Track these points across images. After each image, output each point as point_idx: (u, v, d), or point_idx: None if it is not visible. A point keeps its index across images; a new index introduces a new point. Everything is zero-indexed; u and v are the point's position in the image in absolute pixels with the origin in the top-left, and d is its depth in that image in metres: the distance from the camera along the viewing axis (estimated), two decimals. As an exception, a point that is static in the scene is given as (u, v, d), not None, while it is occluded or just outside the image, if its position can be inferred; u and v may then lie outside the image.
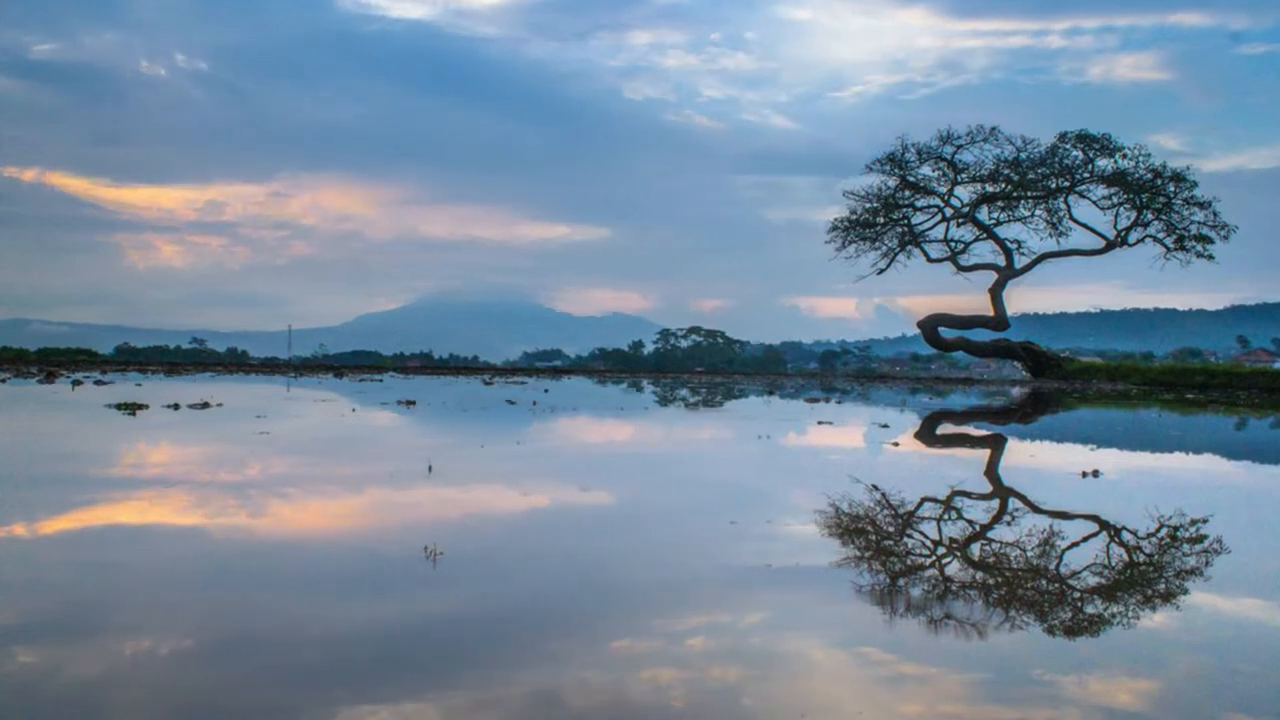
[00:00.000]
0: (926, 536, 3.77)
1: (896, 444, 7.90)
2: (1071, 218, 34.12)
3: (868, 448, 7.81)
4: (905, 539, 3.72)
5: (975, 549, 3.53)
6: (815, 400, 15.74)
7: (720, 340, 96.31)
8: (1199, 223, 32.29)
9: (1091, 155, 33.28)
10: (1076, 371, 35.15)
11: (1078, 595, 2.86)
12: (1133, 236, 33.40)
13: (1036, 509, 4.49)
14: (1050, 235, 34.21)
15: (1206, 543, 3.71)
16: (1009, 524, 4.08)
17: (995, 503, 4.78)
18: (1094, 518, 4.26)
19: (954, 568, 3.21)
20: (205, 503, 4.04)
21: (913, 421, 11.58)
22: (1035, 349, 35.82)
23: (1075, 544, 3.65)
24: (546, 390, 17.11)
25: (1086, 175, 33.45)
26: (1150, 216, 32.94)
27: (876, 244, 35.66)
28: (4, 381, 16.63)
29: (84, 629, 2.29)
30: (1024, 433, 10.42)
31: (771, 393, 19.09)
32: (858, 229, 35.56)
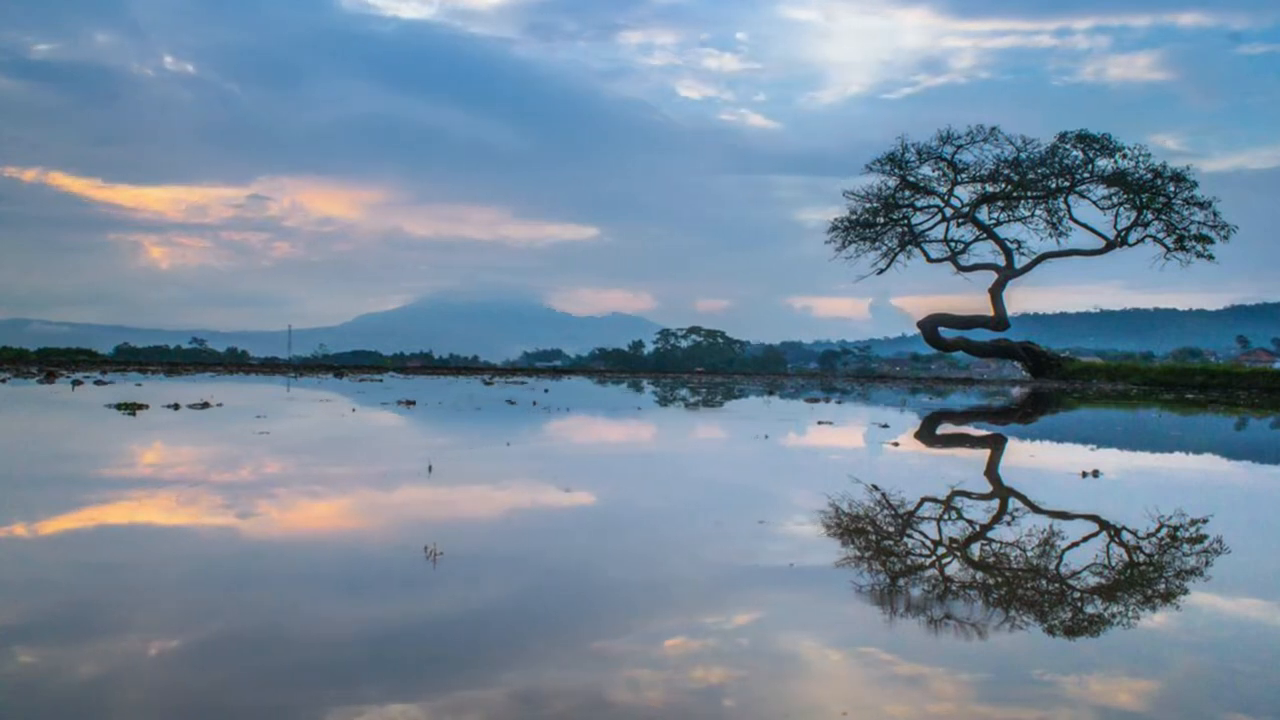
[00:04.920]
0: (926, 536, 3.77)
1: (896, 444, 7.89)
2: (1071, 218, 34.13)
3: (868, 448, 7.81)
4: (905, 539, 3.72)
5: (975, 549, 3.53)
6: (815, 400, 15.73)
7: (720, 340, 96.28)
8: (1199, 223, 32.29)
9: (1091, 155, 33.29)
10: (1076, 371, 35.15)
11: (1078, 595, 2.85)
12: (1133, 236, 33.40)
13: (1036, 509, 4.49)
14: (1050, 235, 34.22)
15: (1206, 543, 3.71)
16: (1009, 524, 4.08)
17: (995, 503, 4.78)
18: (1094, 518, 4.26)
19: (954, 568, 3.21)
20: (205, 503, 4.04)
21: (913, 421, 11.58)
22: (1035, 349, 35.82)
23: (1075, 544, 3.65)
24: (547, 390, 17.11)
25: (1086, 175, 33.45)
26: (1150, 216, 32.93)
27: (876, 244, 35.66)
28: (4, 381, 16.63)
29: (84, 629, 2.29)
30: (1024, 433, 10.42)
31: (771, 393, 19.08)
32: (858, 229, 35.56)
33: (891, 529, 3.91)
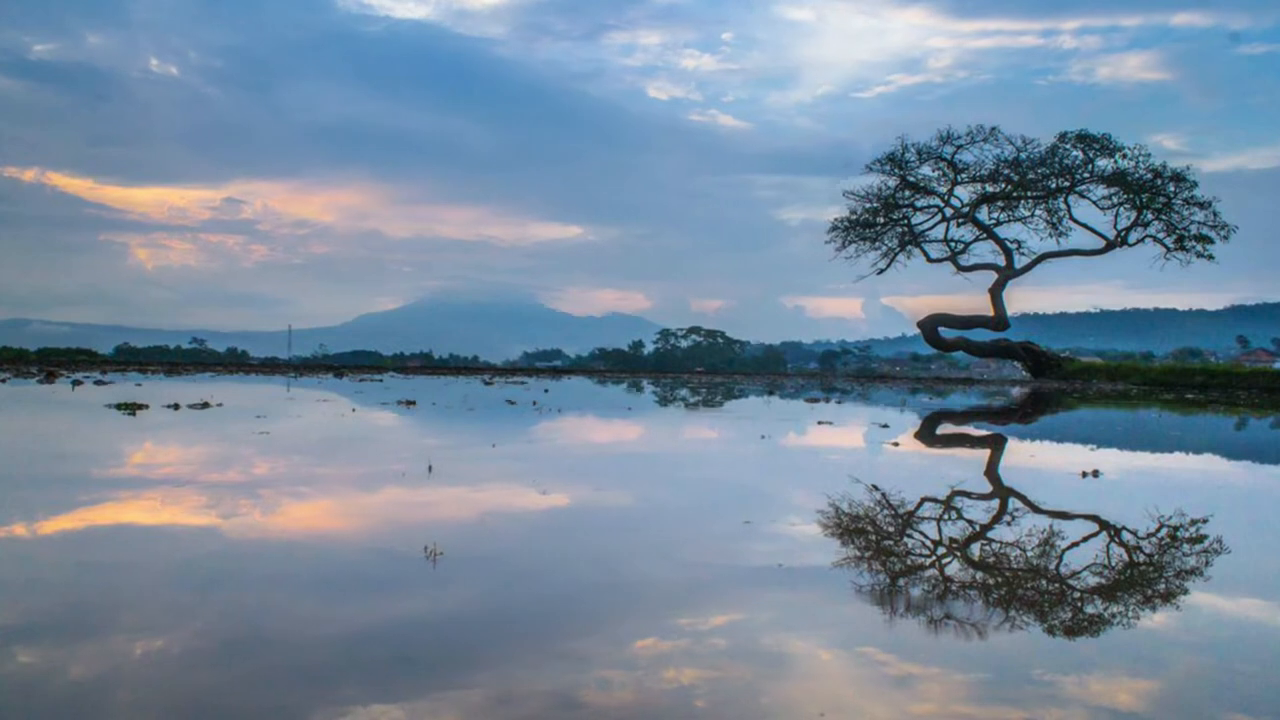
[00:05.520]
0: (926, 536, 3.77)
1: (896, 444, 7.89)
2: (1071, 218, 34.18)
3: (868, 448, 7.81)
4: (905, 539, 3.72)
5: (975, 549, 3.53)
6: (815, 400, 15.73)
7: (720, 340, 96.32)
8: (1199, 223, 32.35)
9: (1091, 155, 33.32)
10: (1076, 371, 35.17)
11: (1078, 595, 2.85)
12: (1133, 236, 33.46)
13: (1036, 509, 4.49)
14: (1050, 235, 34.28)
15: (1206, 543, 3.71)
16: (1009, 524, 4.08)
17: (995, 503, 4.78)
18: (1094, 518, 4.26)
19: (954, 568, 3.21)
20: (205, 502, 4.04)
21: (913, 421, 11.58)
22: (1035, 349, 35.85)
23: (1075, 544, 3.64)
24: (547, 390, 17.10)
25: (1086, 175, 33.50)
26: (1150, 216, 32.98)
27: (876, 244, 35.73)
28: (4, 381, 16.63)
29: (84, 629, 2.29)
30: (1024, 433, 10.42)
31: (771, 393, 19.09)
32: (858, 229, 35.61)
33: (891, 529, 3.91)
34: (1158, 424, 12.23)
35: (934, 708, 1.92)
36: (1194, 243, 32.40)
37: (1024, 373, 37.73)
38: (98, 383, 16.29)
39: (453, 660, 2.15)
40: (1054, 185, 33.74)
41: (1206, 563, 3.34)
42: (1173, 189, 32.43)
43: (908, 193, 35.27)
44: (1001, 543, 3.64)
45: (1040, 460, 7.32)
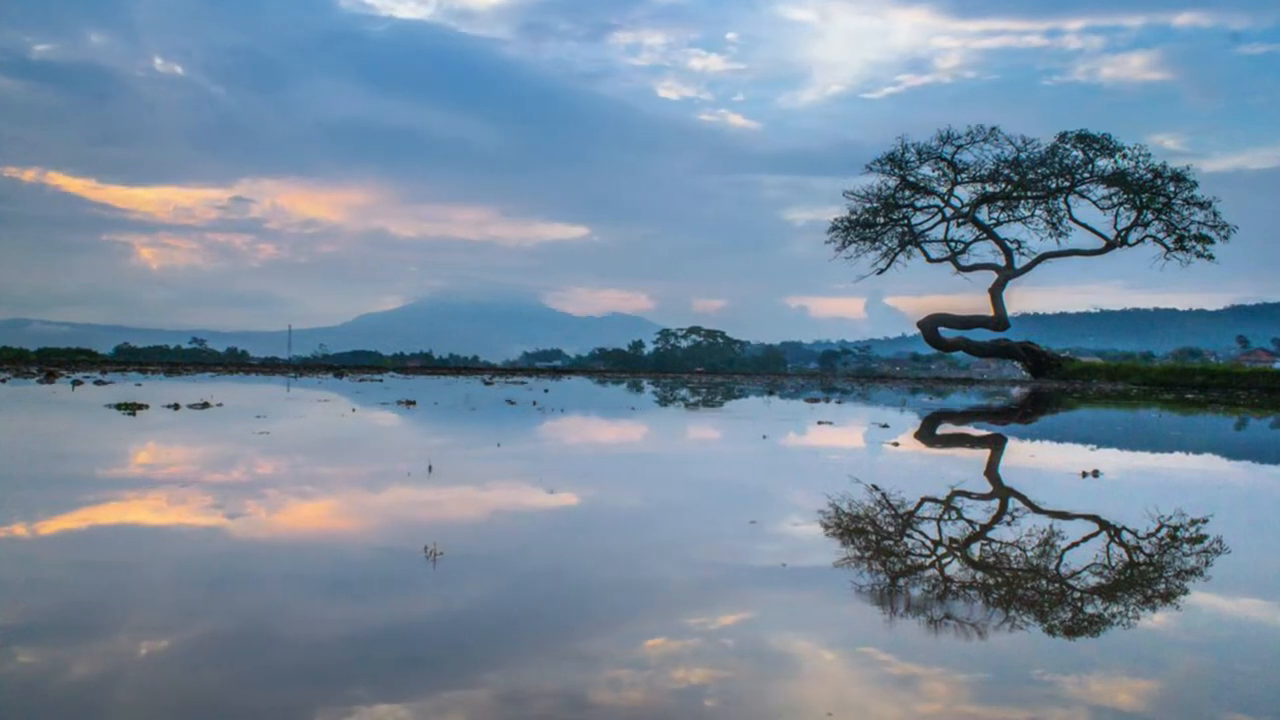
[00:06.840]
0: (926, 536, 3.77)
1: (896, 444, 7.89)
2: (1071, 218, 34.17)
3: (868, 448, 7.81)
4: (905, 539, 3.72)
5: (975, 549, 3.53)
6: (815, 400, 15.73)
7: (720, 340, 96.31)
8: (1199, 223, 32.35)
9: (1091, 155, 33.32)
10: (1076, 371, 35.17)
11: (1078, 595, 2.85)
12: (1133, 236, 33.45)
13: (1036, 509, 4.49)
14: (1050, 235, 34.28)
15: (1206, 543, 3.71)
16: (1009, 524, 4.08)
17: (995, 503, 4.78)
18: (1094, 518, 4.26)
19: (954, 568, 3.21)
20: (205, 503, 4.04)
21: (913, 421, 11.58)
22: (1035, 349, 35.85)
23: (1075, 544, 3.65)
24: (547, 390, 17.10)
25: (1086, 175, 33.50)
26: (1150, 216, 32.97)
27: (876, 244, 35.72)
28: (4, 381, 16.63)
29: (84, 629, 2.29)
30: (1024, 433, 10.42)
31: (771, 393, 19.09)
32: (858, 229, 35.60)
33: (891, 529, 3.91)
34: (1158, 424, 12.24)
35: (936, 708, 1.92)
36: (1194, 243, 32.41)
37: (1024, 373, 37.73)
38: (98, 383, 16.29)
39: (479, 658, 2.15)
40: (1054, 185, 33.74)
41: (1206, 563, 3.34)
42: (1173, 189, 32.44)
43: (908, 193, 35.27)
44: (1002, 543, 3.64)
45: (1040, 460, 7.32)
